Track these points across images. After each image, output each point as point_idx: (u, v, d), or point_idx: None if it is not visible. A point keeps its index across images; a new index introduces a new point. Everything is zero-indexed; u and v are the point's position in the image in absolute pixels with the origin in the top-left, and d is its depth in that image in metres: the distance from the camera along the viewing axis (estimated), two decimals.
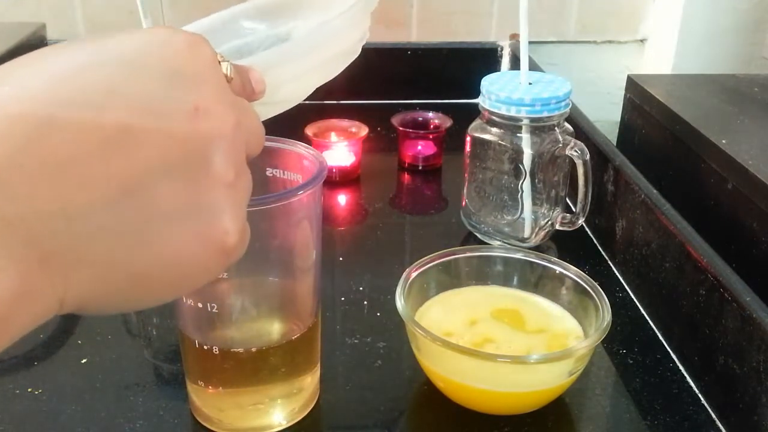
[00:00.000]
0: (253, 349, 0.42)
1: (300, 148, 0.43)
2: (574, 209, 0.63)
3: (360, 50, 0.39)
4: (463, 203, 0.68)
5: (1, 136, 0.20)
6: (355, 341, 0.53)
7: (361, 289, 0.60)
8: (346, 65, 0.39)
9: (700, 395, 0.49)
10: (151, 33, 0.24)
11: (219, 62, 0.27)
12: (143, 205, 0.22)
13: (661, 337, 0.55)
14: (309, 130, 0.77)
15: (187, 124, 0.23)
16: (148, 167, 0.22)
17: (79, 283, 0.22)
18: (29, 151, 0.20)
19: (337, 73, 0.38)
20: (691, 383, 0.50)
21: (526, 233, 0.65)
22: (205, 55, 0.25)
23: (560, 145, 0.61)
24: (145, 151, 0.22)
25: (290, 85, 0.35)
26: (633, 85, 0.82)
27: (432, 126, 0.83)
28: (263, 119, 0.36)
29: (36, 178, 0.20)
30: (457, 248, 0.53)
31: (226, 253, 0.25)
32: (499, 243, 0.66)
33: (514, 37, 1.02)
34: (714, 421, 0.47)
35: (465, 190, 0.68)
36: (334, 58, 0.37)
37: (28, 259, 0.20)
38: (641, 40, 1.06)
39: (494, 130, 0.63)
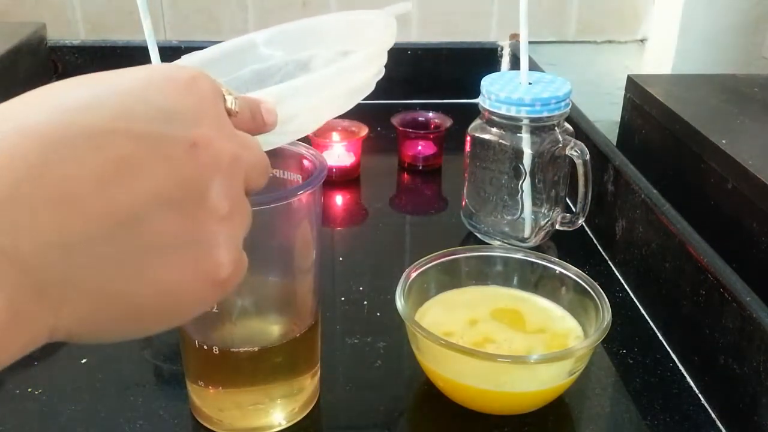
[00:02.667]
0: (253, 349, 0.42)
1: (300, 148, 0.43)
2: (574, 209, 0.63)
3: (374, 85, 0.40)
4: (463, 203, 0.68)
5: (3, 168, 0.20)
6: (355, 341, 0.53)
7: (361, 289, 0.60)
8: (360, 99, 0.39)
9: (700, 395, 0.49)
10: (152, 70, 0.25)
11: (224, 96, 0.27)
12: (140, 237, 0.23)
13: (661, 337, 0.55)
14: None
15: (185, 158, 0.24)
16: (145, 200, 0.22)
17: (71, 313, 0.22)
18: (30, 184, 0.20)
19: (351, 107, 0.39)
20: (691, 383, 0.50)
21: (526, 233, 0.65)
22: (204, 90, 0.26)
23: (560, 145, 0.61)
24: (144, 185, 0.22)
25: (303, 117, 0.36)
26: (633, 85, 0.82)
27: (432, 126, 0.83)
28: (273, 148, 0.36)
29: (36, 210, 0.20)
30: (457, 248, 0.53)
31: (220, 285, 0.26)
32: (499, 243, 0.66)
33: (514, 37, 1.01)
34: (714, 421, 0.47)
35: (465, 190, 0.68)
36: (349, 93, 0.38)
37: (20, 288, 0.20)
38: (641, 40, 1.06)
39: (494, 130, 0.63)
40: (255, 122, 0.30)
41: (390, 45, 0.40)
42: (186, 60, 0.43)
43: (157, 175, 0.23)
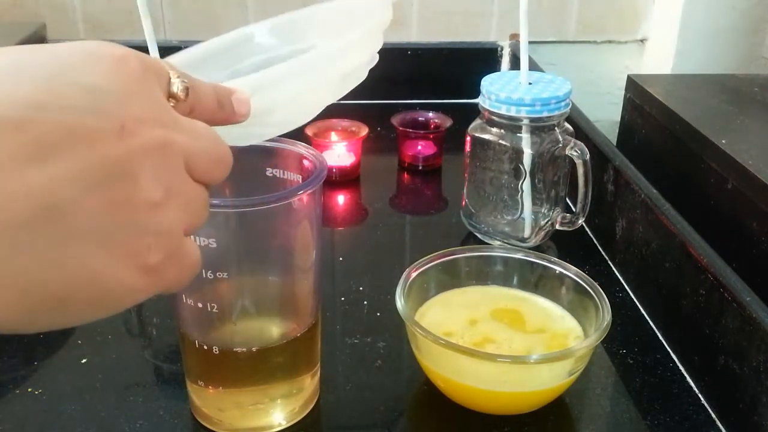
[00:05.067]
0: (253, 349, 0.42)
1: (300, 148, 0.43)
2: (574, 209, 0.63)
3: (366, 74, 0.38)
4: (463, 203, 0.68)
5: None
6: (355, 341, 0.53)
7: (361, 289, 0.60)
8: (351, 88, 0.37)
9: (700, 395, 0.49)
10: (76, 48, 0.24)
11: (169, 79, 0.26)
12: (61, 224, 0.22)
13: (661, 337, 0.55)
14: (309, 130, 0.77)
15: (110, 141, 0.23)
16: (67, 183, 0.22)
17: None
18: None
19: (340, 97, 0.37)
20: (691, 383, 0.50)
21: (526, 233, 0.65)
22: (134, 70, 0.24)
23: (560, 145, 0.61)
24: (65, 167, 0.21)
25: (287, 108, 0.34)
26: (633, 85, 0.82)
27: (432, 126, 0.83)
28: (259, 141, 0.35)
29: None
30: (457, 248, 0.53)
31: (150, 272, 0.24)
32: (499, 243, 0.66)
33: (514, 37, 1.02)
34: (714, 421, 0.47)
35: (465, 190, 0.68)
36: (337, 80, 0.36)
37: None
38: (641, 40, 1.06)
39: (494, 130, 0.63)
40: (224, 111, 0.29)
41: (381, 26, 0.38)
42: (182, 56, 0.41)
43: (80, 158, 0.22)
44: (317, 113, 0.37)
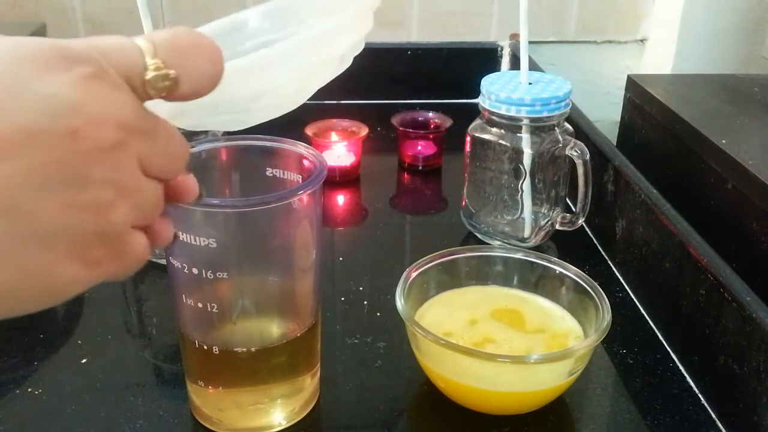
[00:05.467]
0: (253, 349, 0.42)
1: (300, 148, 0.43)
2: (574, 209, 0.63)
3: (351, 61, 0.38)
4: (463, 203, 0.68)
5: None
6: (355, 341, 0.53)
7: (361, 289, 0.60)
8: (337, 74, 0.37)
9: (700, 395, 0.49)
10: (33, 47, 0.24)
11: (128, 70, 0.26)
12: (16, 223, 0.23)
13: (661, 337, 0.55)
14: (309, 130, 0.77)
15: (64, 145, 0.23)
16: (22, 185, 0.22)
17: None
18: None
19: (327, 81, 0.36)
20: (691, 383, 0.50)
21: (526, 233, 0.65)
22: (89, 72, 0.24)
23: (560, 145, 0.61)
24: (20, 169, 0.22)
25: (276, 92, 0.34)
26: (633, 85, 0.82)
27: (432, 126, 0.83)
28: (246, 126, 0.35)
29: None
30: (457, 248, 0.53)
31: (96, 266, 0.25)
32: (499, 243, 0.66)
33: (514, 37, 1.02)
34: (714, 421, 0.47)
35: (465, 190, 0.68)
36: (324, 64, 0.35)
37: None
38: (641, 40, 1.06)
39: (494, 130, 0.63)
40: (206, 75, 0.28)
41: (371, 8, 0.37)
42: None
43: (35, 160, 0.23)
44: (306, 99, 0.36)
